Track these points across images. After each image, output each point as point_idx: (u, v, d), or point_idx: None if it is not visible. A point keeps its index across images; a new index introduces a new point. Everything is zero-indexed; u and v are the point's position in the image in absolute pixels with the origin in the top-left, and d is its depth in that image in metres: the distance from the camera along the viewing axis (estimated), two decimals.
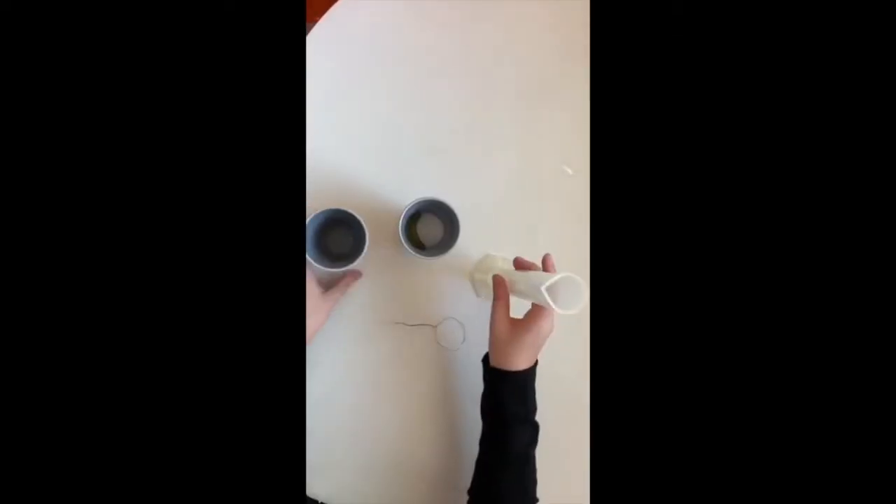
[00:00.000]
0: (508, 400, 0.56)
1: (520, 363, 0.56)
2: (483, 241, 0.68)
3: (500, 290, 0.58)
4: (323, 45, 0.68)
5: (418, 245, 0.66)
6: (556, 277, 0.46)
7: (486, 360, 0.60)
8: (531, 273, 0.56)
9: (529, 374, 0.57)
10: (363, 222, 0.58)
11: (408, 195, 0.66)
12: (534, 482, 0.57)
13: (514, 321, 0.57)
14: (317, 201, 0.59)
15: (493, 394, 0.58)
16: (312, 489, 0.65)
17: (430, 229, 0.68)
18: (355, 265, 0.59)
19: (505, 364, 0.56)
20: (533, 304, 0.56)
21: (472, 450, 0.66)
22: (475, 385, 0.67)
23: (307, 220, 0.56)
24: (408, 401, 0.68)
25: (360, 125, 0.69)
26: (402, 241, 0.59)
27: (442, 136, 0.70)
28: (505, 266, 0.65)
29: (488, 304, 0.66)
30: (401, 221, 0.59)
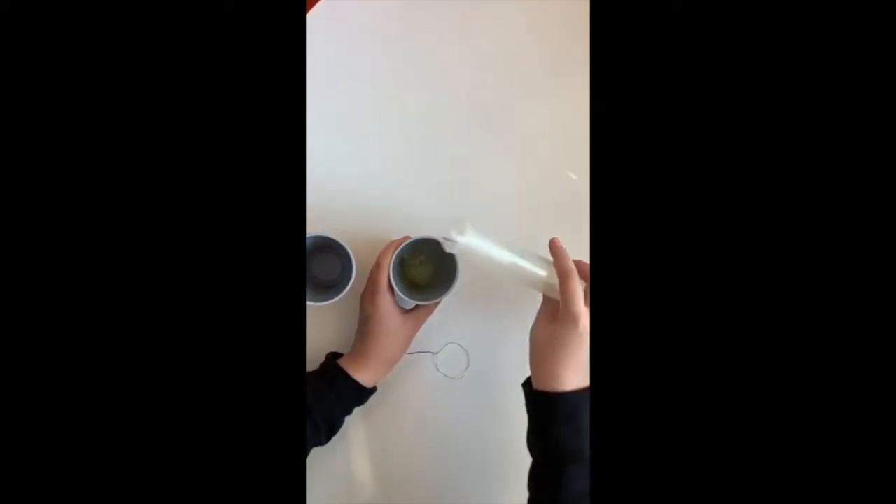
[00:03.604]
0: (558, 432, 0.45)
1: (566, 378, 0.45)
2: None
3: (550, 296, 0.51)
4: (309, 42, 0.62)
5: (412, 285, 0.60)
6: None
7: (526, 383, 0.51)
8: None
9: (582, 397, 0.46)
10: (350, 250, 0.52)
11: (399, 212, 0.62)
12: None
13: (555, 322, 0.47)
14: None
15: (538, 424, 0.48)
16: None
17: (425, 266, 0.62)
18: (342, 297, 0.53)
19: (548, 382, 0.46)
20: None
21: (478, 489, 0.63)
22: (481, 417, 0.63)
23: None
24: (405, 436, 0.62)
25: (341, 138, 0.63)
26: (396, 288, 0.54)
27: (435, 142, 0.64)
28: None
29: (496, 324, 0.62)
30: (391, 270, 0.53)
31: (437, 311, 0.59)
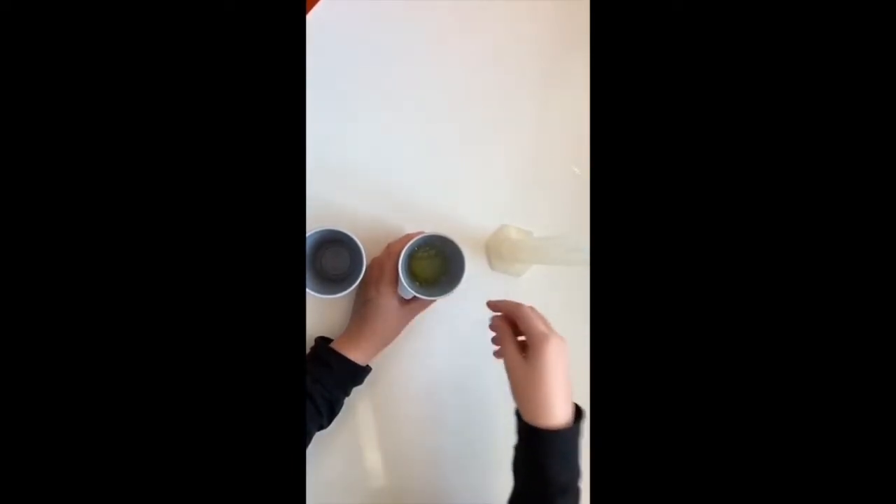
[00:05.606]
0: (549, 465, 0.46)
1: (556, 412, 0.46)
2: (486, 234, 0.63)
3: (500, 332, 0.50)
4: (311, 42, 0.62)
5: (415, 277, 0.61)
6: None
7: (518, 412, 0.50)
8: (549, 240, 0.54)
9: (573, 431, 0.47)
10: (360, 244, 0.53)
11: (405, 208, 0.63)
12: None
13: (527, 356, 0.48)
14: (308, 220, 0.54)
15: (530, 456, 0.47)
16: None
17: (432, 261, 0.63)
18: (352, 289, 0.54)
19: (538, 417, 0.46)
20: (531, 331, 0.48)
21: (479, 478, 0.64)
22: (484, 400, 0.64)
23: None
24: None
25: (348, 133, 0.64)
26: (404, 281, 0.54)
27: (438, 137, 0.65)
28: (519, 237, 0.64)
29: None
30: (401, 261, 0.54)
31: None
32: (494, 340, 0.52)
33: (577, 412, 0.48)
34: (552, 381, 0.46)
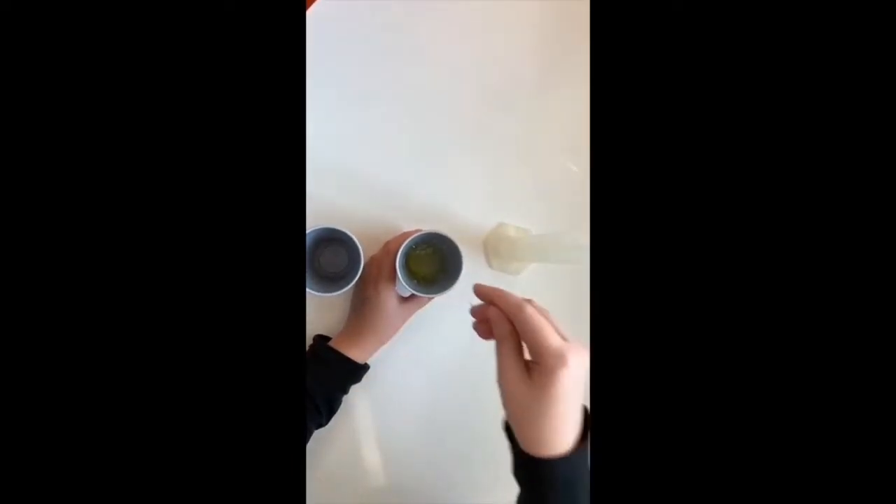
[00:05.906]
0: (549, 496, 0.37)
1: (564, 440, 0.37)
2: (483, 231, 0.64)
3: (500, 326, 0.39)
4: (308, 38, 0.62)
5: (412, 275, 0.61)
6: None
7: (508, 427, 0.41)
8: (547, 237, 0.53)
9: (579, 458, 0.37)
10: (358, 243, 0.53)
11: (404, 206, 0.63)
12: None
13: (533, 373, 0.37)
14: (306, 218, 0.54)
15: (527, 479, 0.39)
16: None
17: (430, 259, 0.63)
18: (350, 287, 0.54)
19: (541, 449, 0.37)
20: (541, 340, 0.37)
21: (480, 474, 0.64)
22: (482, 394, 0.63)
23: None
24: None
25: (346, 131, 0.63)
26: (401, 279, 0.54)
27: (436, 135, 0.65)
28: (516, 235, 0.64)
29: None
30: (398, 259, 0.54)
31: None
32: (475, 325, 0.43)
33: (586, 425, 0.38)
34: (564, 409, 0.36)
